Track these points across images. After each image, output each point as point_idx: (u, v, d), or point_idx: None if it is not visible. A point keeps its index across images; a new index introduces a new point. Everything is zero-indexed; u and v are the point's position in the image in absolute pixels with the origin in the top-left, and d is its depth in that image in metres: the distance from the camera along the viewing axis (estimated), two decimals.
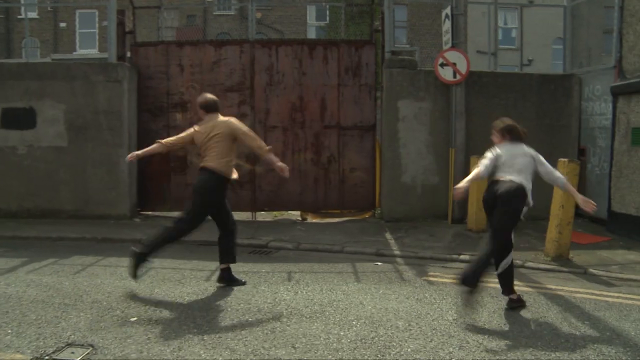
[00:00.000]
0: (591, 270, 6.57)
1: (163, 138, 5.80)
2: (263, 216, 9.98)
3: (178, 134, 5.94)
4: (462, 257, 7.13)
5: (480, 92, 9.48)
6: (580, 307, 5.13)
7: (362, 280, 6.10)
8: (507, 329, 4.53)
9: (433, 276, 6.27)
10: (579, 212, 9.84)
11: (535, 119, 9.59)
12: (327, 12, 25.56)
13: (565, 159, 6.93)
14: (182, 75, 9.53)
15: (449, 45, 9.08)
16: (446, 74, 9.14)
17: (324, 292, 5.49)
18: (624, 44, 8.48)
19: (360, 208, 10.02)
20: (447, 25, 9.17)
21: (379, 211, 9.91)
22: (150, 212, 9.73)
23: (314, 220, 9.90)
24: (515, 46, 28.74)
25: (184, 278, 5.98)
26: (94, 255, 7.02)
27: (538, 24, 26.73)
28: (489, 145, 5.23)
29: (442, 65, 9.15)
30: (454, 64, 9.04)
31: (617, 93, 8.50)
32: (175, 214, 9.75)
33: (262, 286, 5.70)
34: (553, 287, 5.87)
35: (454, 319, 4.70)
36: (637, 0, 8.24)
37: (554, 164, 9.93)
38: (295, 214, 10.22)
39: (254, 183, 9.71)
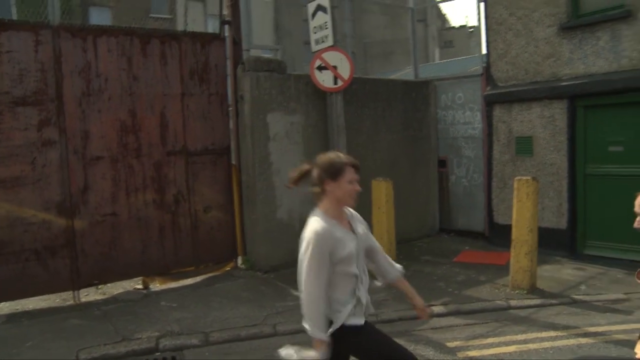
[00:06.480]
0: (574, 296, 5.99)
1: None
2: (87, 295, 6.52)
3: None
4: (435, 308, 5.70)
5: (352, 102, 8.07)
6: None
7: None
8: None
9: (464, 347, 4.69)
10: (442, 227, 9.51)
11: (401, 130, 8.72)
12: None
13: (527, 177, 6.14)
14: None
15: (328, 43, 7.38)
16: (325, 80, 7.44)
17: None
18: (492, 51, 8.26)
19: (218, 259, 7.46)
20: (321, 18, 7.42)
21: (246, 259, 7.56)
22: None
23: (164, 287, 6.93)
24: None
25: None
26: None
27: None
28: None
29: (319, 68, 7.42)
30: (335, 67, 7.41)
31: (492, 101, 8.22)
32: None
33: None
34: (599, 329, 4.99)
35: None
36: (502, 8, 8.09)
37: (421, 177, 9.32)
38: (133, 281, 6.99)
39: (73, 246, 6.22)
